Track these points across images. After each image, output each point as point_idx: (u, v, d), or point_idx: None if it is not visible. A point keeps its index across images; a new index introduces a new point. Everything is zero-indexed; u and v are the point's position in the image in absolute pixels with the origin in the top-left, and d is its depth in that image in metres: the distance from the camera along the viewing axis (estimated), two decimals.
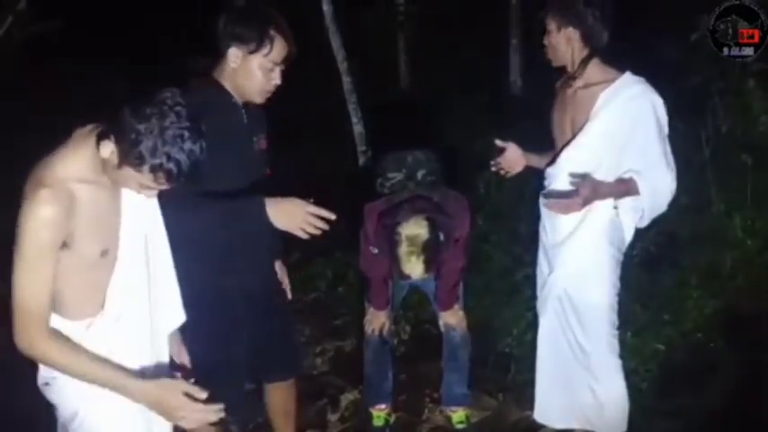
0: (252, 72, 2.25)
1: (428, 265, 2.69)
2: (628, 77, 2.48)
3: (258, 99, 2.32)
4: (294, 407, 2.77)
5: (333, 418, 3.30)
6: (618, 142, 2.47)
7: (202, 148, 1.71)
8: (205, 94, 2.20)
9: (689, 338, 3.42)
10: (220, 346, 2.33)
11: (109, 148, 1.68)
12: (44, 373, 1.87)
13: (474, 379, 3.20)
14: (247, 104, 2.35)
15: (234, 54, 2.24)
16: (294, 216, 2.15)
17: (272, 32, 2.23)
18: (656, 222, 2.65)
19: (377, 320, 3.08)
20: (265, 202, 2.16)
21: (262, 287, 2.49)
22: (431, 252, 2.67)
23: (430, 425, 3.22)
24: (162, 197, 1.92)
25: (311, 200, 2.17)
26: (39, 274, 1.71)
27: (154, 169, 1.67)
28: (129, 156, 1.66)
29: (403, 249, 2.66)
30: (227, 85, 2.29)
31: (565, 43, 2.49)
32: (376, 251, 2.89)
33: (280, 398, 2.74)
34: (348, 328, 3.94)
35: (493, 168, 2.74)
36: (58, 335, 1.76)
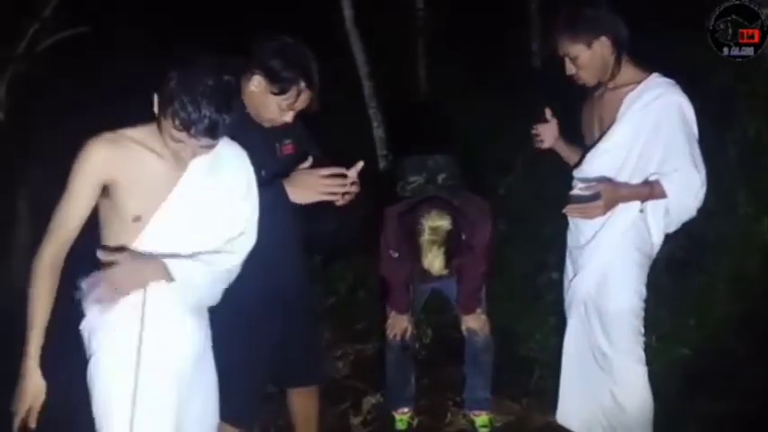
0: (268, 106, 2.24)
1: (447, 259, 2.67)
2: (654, 79, 2.44)
3: (264, 124, 2.30)
4: (316, 412, 2.73)
5: (355, 421, 3.29)
6: (642, 144, 2.43)
7: (223, 120, 1.77)
8: None
9: (715, 343, 3.38)
10: (243, 346, 2.28)
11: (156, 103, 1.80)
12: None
13: (497, 383, 3.18)
14: None
15: (258, 81, 2.21)
16: (309, 185, 2.19)
17: (302, 85, 2.19)
18: (683, 226, 2.61)
19: (399, 325, 3.07)
20: (283, 183, 2.20)
21: (292, 284, 2.45)
22: (452, 245, 2.65)
23: (453, 428, 3.21)
24: None
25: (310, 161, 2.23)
26: (73, 201, 1.83)
27: (173, 114, 1.75)
28: (161, 103, 1.77)
29: (425, 239, 2.65)
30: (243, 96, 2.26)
31: (600, 56, 2.41)
32: (396, 255, 2.88)
33: (302, 403, 2.70)
34: (369, 332, 3.94)
35: (533, 131, 2.72)
36: (52, 265, 1.83)
